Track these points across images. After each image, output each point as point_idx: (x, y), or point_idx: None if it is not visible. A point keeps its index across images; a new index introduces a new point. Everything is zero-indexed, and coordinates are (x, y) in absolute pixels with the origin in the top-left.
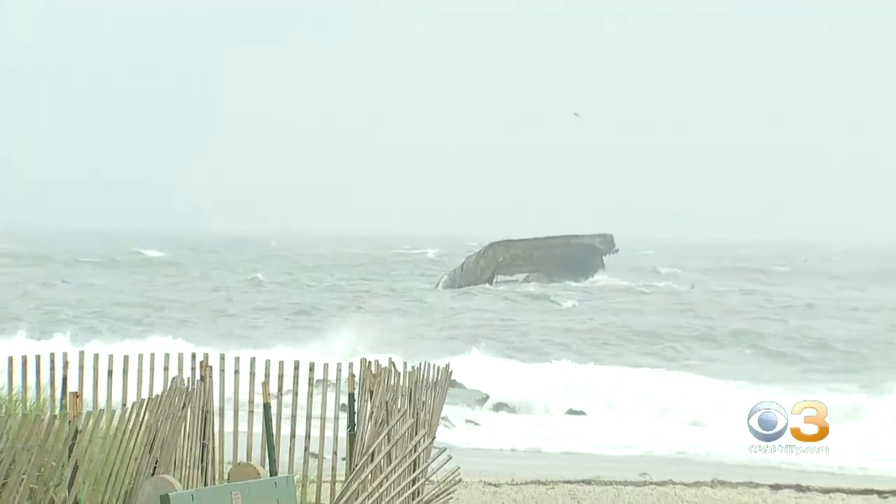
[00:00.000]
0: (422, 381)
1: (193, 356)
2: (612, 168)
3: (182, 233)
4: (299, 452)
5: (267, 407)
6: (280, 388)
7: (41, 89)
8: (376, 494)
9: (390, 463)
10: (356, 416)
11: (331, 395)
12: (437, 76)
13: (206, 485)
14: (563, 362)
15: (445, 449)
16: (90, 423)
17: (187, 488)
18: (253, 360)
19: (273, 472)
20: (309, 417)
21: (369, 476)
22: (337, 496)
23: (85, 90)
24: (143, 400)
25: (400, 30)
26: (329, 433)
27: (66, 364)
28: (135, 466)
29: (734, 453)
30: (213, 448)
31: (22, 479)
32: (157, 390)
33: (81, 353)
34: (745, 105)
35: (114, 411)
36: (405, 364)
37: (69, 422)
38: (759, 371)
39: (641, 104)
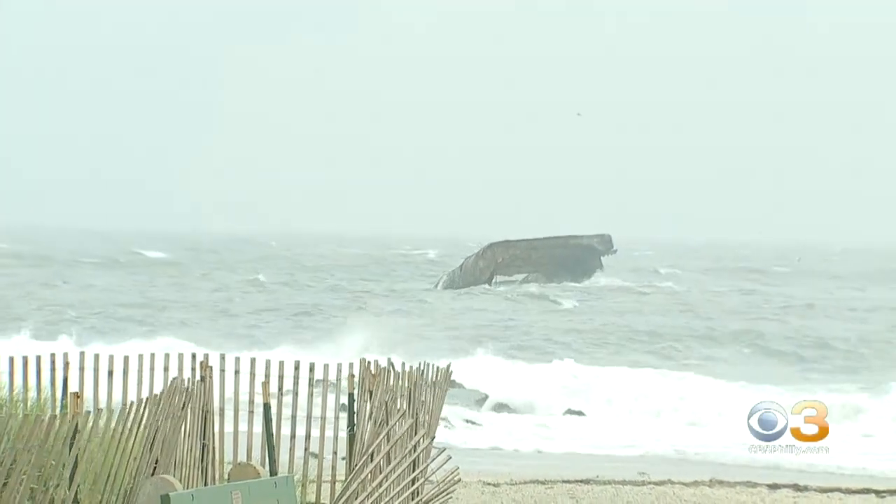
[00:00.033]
0: (421, 382)
1: (193, 356)
2: (612, 168)
3: (182, 233)
4: (299, 452)
5: (267, 407)
6: (280, 389)
7: (41, 89)
8: (376, 494)
9: (390, 463)
10: (356, 416)
11: (331, 396)
12: (437, 76)
13: (206, 485)
14: (566, 362)
15: (445, 449)
16: (89, 422)
17: (187, 488)
18: (253, 360)
19: (273, 472)
20: (309, 417)
21: (369, 476)
22: (337, 496)
23: (85, 90)
24: (142, 399)
25: (400, 30)
26: (329, 433)
27: (66, 364)
28: (134, 466)
29: (733, 453)
30: (214, 448)
31: (22, 479)
32: (158, 390)
33: (82, 354)
34: (745, 105)
35: (113, 410)
36: (403, 364)
37: (69, 421)
38: (758, 371)
39: (641, 104)
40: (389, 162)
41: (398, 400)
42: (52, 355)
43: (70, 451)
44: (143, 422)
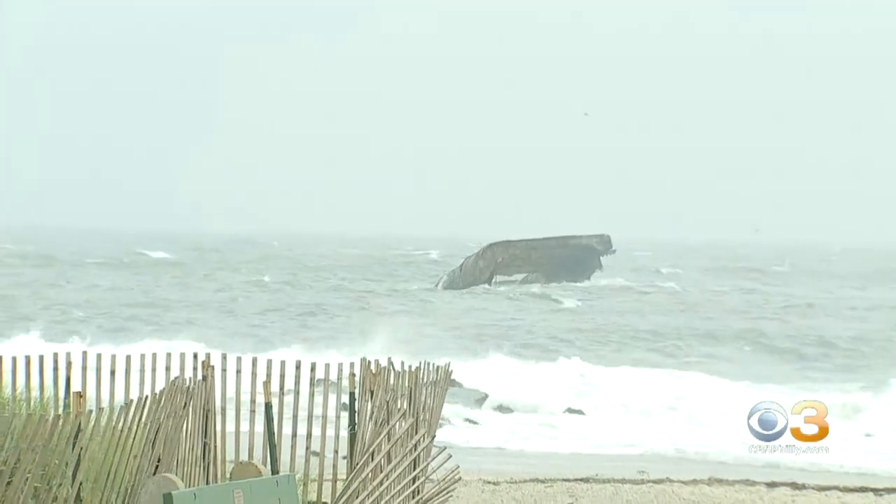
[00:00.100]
0: (422, 381)
1: (195, 356)
2: (612, 168)
3: (182, 233)
4: (301, 451)
5: (268, 406)
6: (281, 388)
7: (41, 89)
8: (377, 493)
9: (390, 462)
10: (357, 415)
11: (332, 395)
12: (437, 76)
13: (208, 483)
14: (573, 360)
15: (445, 448)
16: (91, 421)
17: (190, 487)
18: (254, 359)
19: (275, 471)
20: (310, 417)
21: (370, 475)
22: (338, 495)
23: (85, 90)
24: (143, 398)
25: (399, 30)
26: (330, 432)
27: (69, 364)
28: (135, 464)
29: (733, 452)
30: (216, 447)
31: (26, 478)
32: (160, 390)
33: (84, 354)
34: (745, 105)
35: (113, 409)
36: (402, 363)
37: (73, 421)
38: (759, 370)
39: (641, 104)
40: (389, 162)
41: (399, 399)
42: (55, 355)
43: (73, 450)
44: (143, 420)
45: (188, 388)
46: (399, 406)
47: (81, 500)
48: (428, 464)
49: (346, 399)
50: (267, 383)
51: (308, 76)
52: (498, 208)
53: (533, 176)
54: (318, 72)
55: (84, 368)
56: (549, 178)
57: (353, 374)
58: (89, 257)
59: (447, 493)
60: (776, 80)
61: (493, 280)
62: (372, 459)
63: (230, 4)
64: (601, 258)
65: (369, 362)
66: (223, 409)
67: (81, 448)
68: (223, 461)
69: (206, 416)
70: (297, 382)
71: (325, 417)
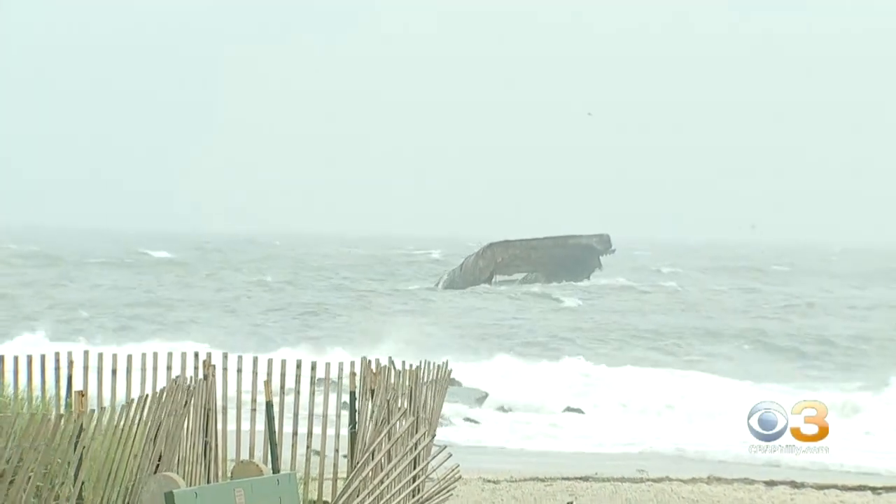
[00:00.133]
0: (422, 380)
1: (196, 355)
2: (612, 168)
3: (183, 233)
4: (301, 450)
5: (269, 405)
6: (282, 387)
7: (41, 89)
8: (377, 492)
9: (391, 461)
10: (357, 414)
11: (332, 394)
12: (437, 76)
13: (209, 482)
14: (577, 360)
15: (445, 447)
16: (93, 420)
17: (191, 485)
18: (255, 359)
19: (276, 470)
20: (311, 416)
21: (370, 473)
22: (338, 493)
23: (85, 90)
24: (144, 397)
25: (400, 30)
26: (331, 431)
27: (70, 363)
28: (135, 463)
29: (733, 450)
30: (217, 446)
31: (29, 477)
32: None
33: (86, 353)
34: (745, 105)
35: (115, 408)
36: (404, 363)
37: (74, 420)
38: (758, 368)
39: (641, 104)
40: (389, 162)
41: (399, 398)
42: (57, 354)
43: (75, 449)
44: (144, 418)
45: (189, 386)
46: (399, 405)
47: (83, 499)
48: (428, 462)
49: (346, 398)
50: (268, 382)
51: (308, 76)
52: (498, 208)
53: (533, 176)
54: (318, 72)
55: (86, 368)
56: (549, 178)
57: (353, 374)
58: (91, 257)
59: (447, 491)
60: (776, 80)
61: (493, 280)
62: (372, 458)
63: (230, 4)
64: (601, 258)
65: (370, 361)
66: (224, 408)
67: (84, 447)
68: (224, 460)
69: (208, 415)
70: (298, 381)
71: (325, 416)
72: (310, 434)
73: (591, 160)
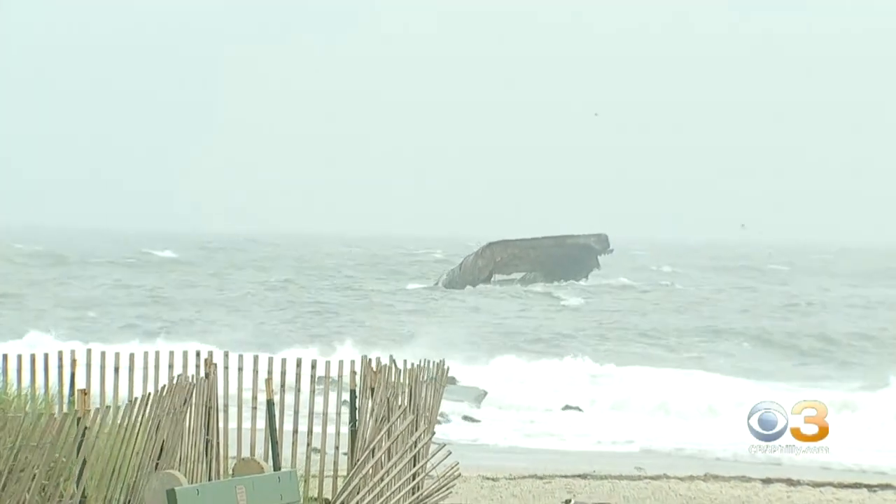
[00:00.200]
0: (421, 379)
1: (198, 354)
2: (612, 168)
3: (183, 233)
4: (302, 448)
5: (270, 403)
6: (283, 385)
7: (41, 89)
8: (377, 489)
9: (391, 458)
10: (357, 412)
11: (332, 392)
12: (437, 76)
13: (210, 480)
14: (579, 359)
15: (445, 444)
16: (98, 420)
17: (193, 483)
18: (256, 357)
19: (276, 467)
20: (311, 414)
21: (370, 471)
22: (339, 491)
23: (85, 90)
24: (146, 395)
25: (400, 30)
26: (331, 429)
27: (73, 361)
28: (137, 461)
29: (730, 448)
30: (218, 444)
31: (34, 476)
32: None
33: (88, 351)
34: (745, 105)
35: (119, 407)
36: (405, 361)
37: (78, 419)
38: (758, 367)
39: (641, 104)
40: (389, 162)
41: (399, 396)
42: (60, 353)
43: (79, 449)
44: (146, 416)
45: (190, 384)
46: (399, 403)
47: (86, 497)
48: (428, 460)
49: (346, 396)
50: (269, 381)
51: (308, 76)
52: (498, 208)
53: (533, 176)
54: (318, 72)
55: (88, 366)
56: (549, 178)
57: (353, 372)
58: (95, 257)
59: (447, 489)
60: (776, 80)
61: (492, 279)
62: (372, 456)
63: (230, 4)
64: (599, 257)
65: (370, 360)
66: (225, 407)
67: (90, 446)
68: (226, 458)
69: (209, 413)
70: (298, 380)
71: (325, 414)
72: (310, 432)
73: (590, 160)
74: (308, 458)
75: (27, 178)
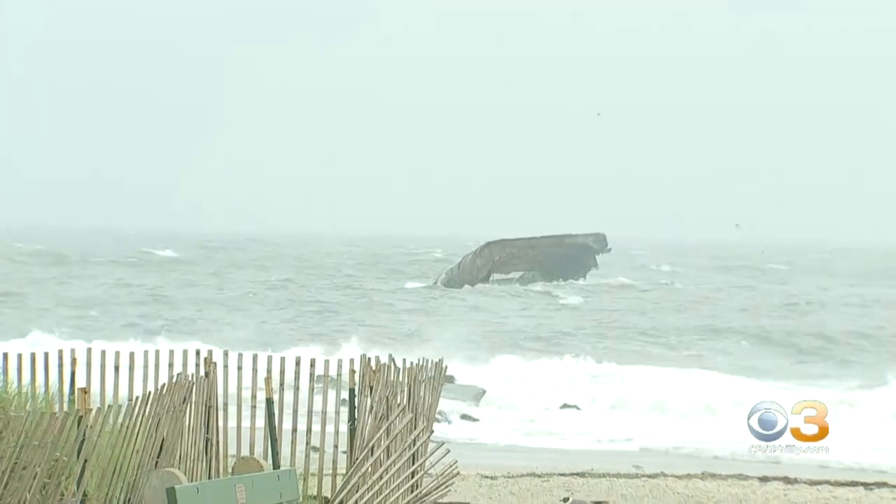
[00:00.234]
0: (420, 377)
1: (198, 353)
2: (612, 168)
3: (183, 233)
4: (301, 446)
5: (270, 402)
6: (282, 384)
7: (41, 89)
8: (376, 487)
9: (389, 456)
10: (356, 411)
11: (332, 391)
12: (437, 76)
13: (210, 478)
14: (579, 357)
15: (444, 443)
16: (99, 419)
17: (192, 481)
18: (255, 356)
19: (276, 466)
20: (310, 412)
21: (369, 469)
22: (338, 489)
23: (85, 90)
24: (147, 394)
25: (400, 30)
26: (330, 428)
27: (73, 360)
28: (137, 459)
29: (728, 447)
30: (217, 442)
31: (35, 474)
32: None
33: (89, 350)
34: (745, 105)
35: (120, 406)
36: (404, 360)
37: (80, 418)
38: (757, 365)
39: (641, 104)
40: (389, 162)
41: (398, 395)
42: (60, 352)
43: (81, 448)
44: (146, 414)
45: (190, 383)
46: (398, 402)
47: (87, 495)
48: (426, 458)
49: (345, 395)
50: (268, 379)
51: (308, 76)
52: (498, 208)
53: (533, 176)
54: (318, 72)
55: (88, 364)
56: (549, 178)
57: (352, 371)
58: (95, 256)
59: (445, 487)
60: (776, 80)
61: (491, 278)
62: (371, 454)
63: (230, 4)
64: (597, 257)
65: (369, 359)
66: (225, 405)
67: (92, 445)
68: (225, 456)
69: (209, 412)
70: (298, 378)
71: (324, 413)
72: (309, 430)
73: (590, 160)
74: (307, 456)
75: (27, 178)
